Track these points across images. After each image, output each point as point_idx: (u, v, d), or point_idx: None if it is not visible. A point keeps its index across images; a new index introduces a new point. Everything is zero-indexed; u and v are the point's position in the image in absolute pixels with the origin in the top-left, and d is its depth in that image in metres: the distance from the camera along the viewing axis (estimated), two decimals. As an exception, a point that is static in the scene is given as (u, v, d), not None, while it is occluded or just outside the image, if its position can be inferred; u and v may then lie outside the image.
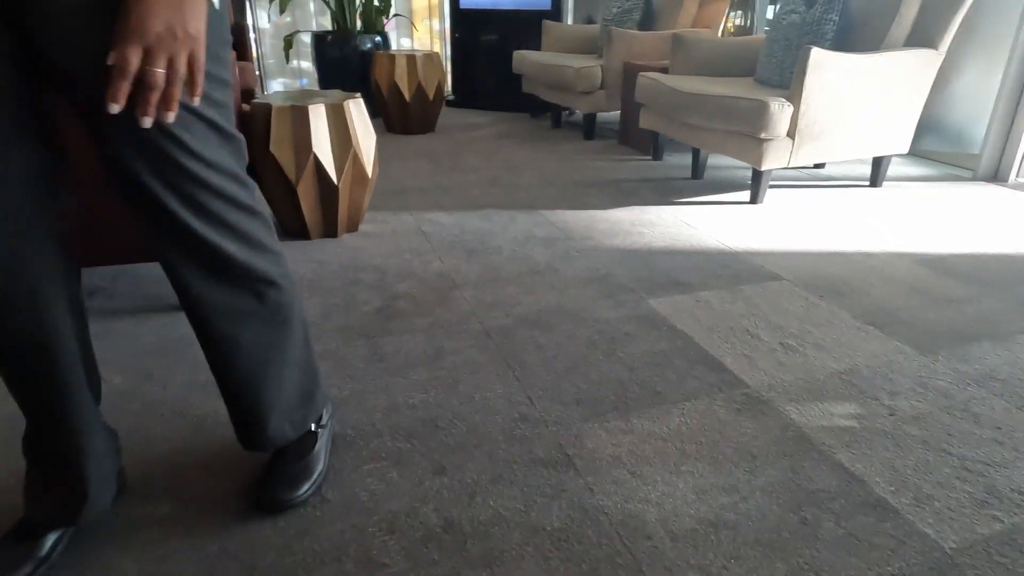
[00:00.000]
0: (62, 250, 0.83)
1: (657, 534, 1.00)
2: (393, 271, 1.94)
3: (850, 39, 2.78)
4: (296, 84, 5.12)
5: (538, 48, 4.33)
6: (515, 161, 3.26)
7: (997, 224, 2.44)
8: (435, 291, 1.81)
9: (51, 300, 0.82)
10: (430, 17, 5.42)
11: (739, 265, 2.02)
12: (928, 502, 1.07)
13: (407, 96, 3.68)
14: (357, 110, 2.10)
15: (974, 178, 3.05)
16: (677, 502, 1.06)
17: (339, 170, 2.06)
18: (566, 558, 0.95)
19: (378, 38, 4.25)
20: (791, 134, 2.47)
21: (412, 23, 5.31)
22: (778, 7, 2.99)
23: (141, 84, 0.66)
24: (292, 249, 2.09)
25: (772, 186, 2.88)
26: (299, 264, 1.97)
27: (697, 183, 2.93)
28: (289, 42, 4.29)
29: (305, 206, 2.08)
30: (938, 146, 3.31)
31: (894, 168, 3.19)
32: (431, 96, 3.74)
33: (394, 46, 5.16)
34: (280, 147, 1.98)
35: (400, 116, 3.77)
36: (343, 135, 2.05)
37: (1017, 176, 2.99)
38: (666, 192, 2.78)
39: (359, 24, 4.34)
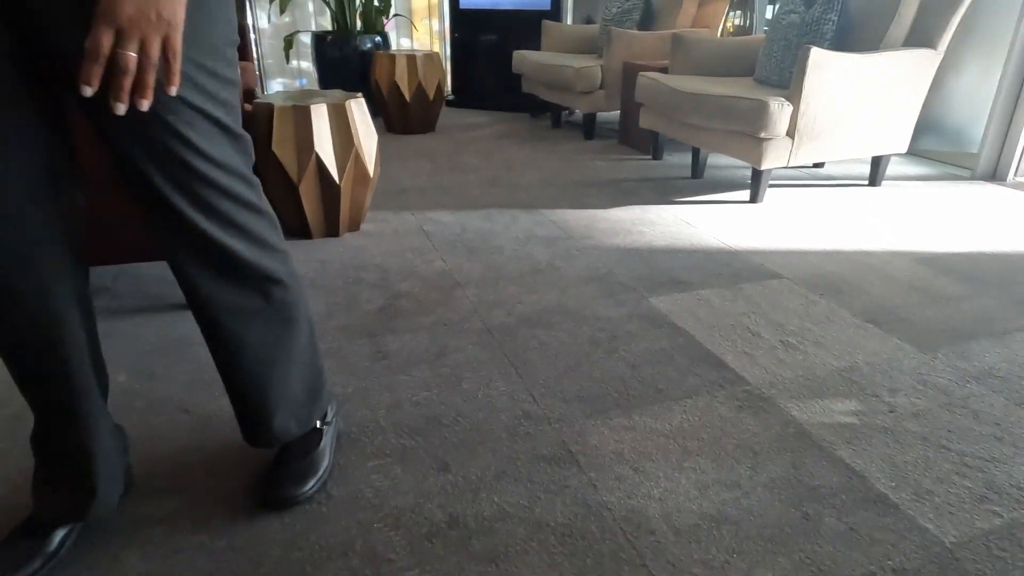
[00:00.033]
0: (71, 248, 0.84)
1: (660, 529, 1.01)
2: (395, 270, 1.95)
3: (849, 39, 2.79)
4: (295, 84, 5.13)
5: (538, 48, 4.34)
6: (515, 161, 3.27)
7: (995, 223, 2.45)
8: (437, 290, 1.82)
9: (60, 297, 0.83)
10: (429, 17, 5.43)
11: (739, 264, 2.03)
12: (928, 497, 1.08)
13: (407, 96, 3.69)
14: (359, 110, 2.11)
15: (972, 177, 3.06)
16: (680, 498, 1.07)
17: (341, 169, 2.07)
18: (570, 553, 0.96)
19: (378, 38, 4.26)
20: (791, 133, 2.48)
21: (412, 23, 5.31)
22: (777, 7, 3.00)
23: (114, 68, 0.64)
24: (294, 248, 2.09)
25: (772, 185, 2.89)
26: (301, 263, 1.97)
27: (697, 182, 2.94)
28: (289, 42, 4.29)
29: (307, 205, 2.09)
30: (937, 145, 3.32)
31: (893, 167, 3.21)
32: (431, 96, 3.74)
33: (393, 46, 5.17)
34: (282, 147, 1.99)
35: (400, 116, 3.78)
36: (345, 135, 2.06)
37: (1015, 175, 3.00)
38: (666, 191, 2.79)
39: (359, 24, 4.34)
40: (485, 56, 4.54)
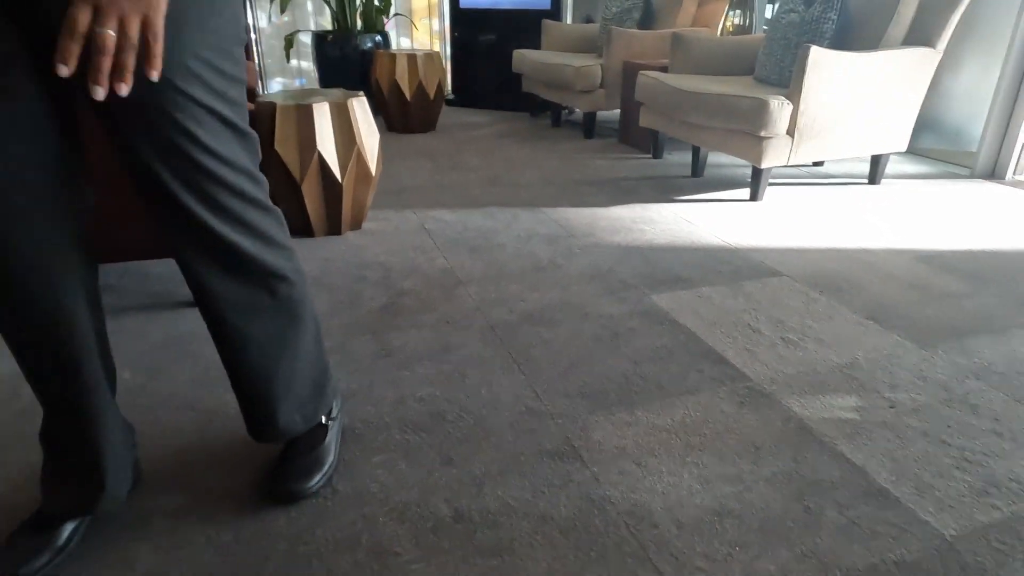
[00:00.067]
0: (80, 244, 0.84)
1: (663, 523, 1.02)
2: (398, 268, 1.96)
3: (848, 38, 2.80)
4: (294, 84, 5.13)
5: (538, 47, 4.34)
6: (516, 160, 3.28)
7: (994, 221, 2.47)
8: (440, 287, 1.83)
9: (69, 293, 0.84)
10: (429, 17, 5.44)
11: (740, 261, 2.04)
12: (928, 491, 1.09)
13: (408, 95, 3.70)
14: (361, 108, 2.12)
15: (971, 175, 3.08)
16: (682, 492, 1.08)
17: (343, 168, 2.08)
18: (574, 546, 0.97)
19: (378, 37, 4.26)
20: (791, 132, 2.49)
21: (412, 22, 5.32)
22: (777, 6, 3.01)
23: (92, 47, 0.62)
24: (297, 247, 2.09)
25: (771, 184, 2.90)
26: (304, 261, 1.98)
27: (697, 181, 2.95)
28: (290, 41, 4.30)
29: (309, 204, 2.10)
30: (936, 144, 3.33)
31: (892, 166, 3.22)
32: (432, 95, 3.75)
33: (393, 46, 5.17)
34: (285, 145, 1.99)
35: (401, 115, 3.79)
36: (347, 133, 2.06)
37: (1014, 173, 3.02)
38: (666, 190, 2.80)
39: (359, 23, 4.35)
40: (485, 55, 4.55)
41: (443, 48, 5.48)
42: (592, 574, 0.93)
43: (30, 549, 0.90)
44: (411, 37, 5.43)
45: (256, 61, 4.85)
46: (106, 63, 0.63)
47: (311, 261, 1.99)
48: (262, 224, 0.90)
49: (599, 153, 3.44)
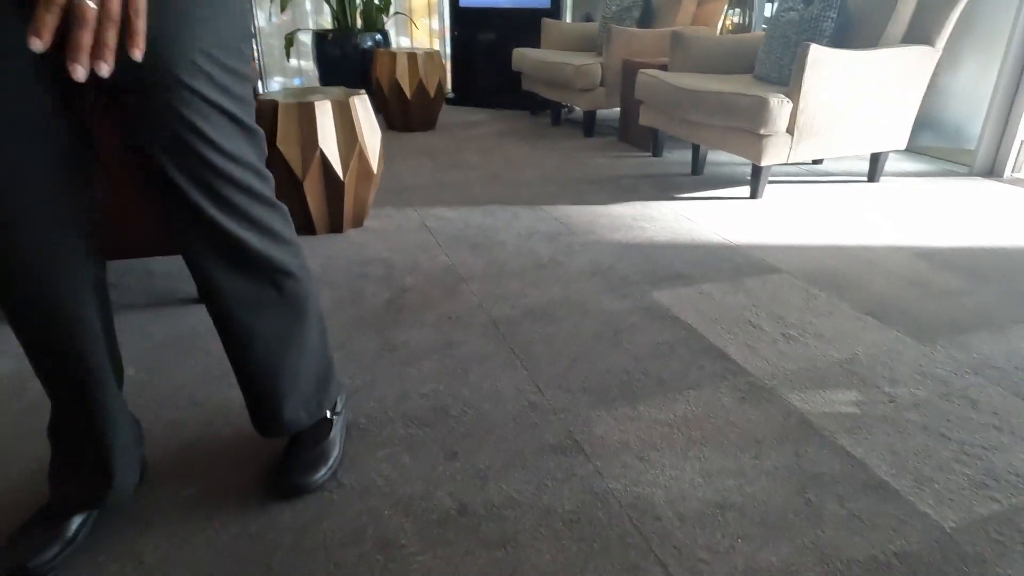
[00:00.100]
0: (88, 239, 0.85)
1: (666, 515, 1.03)
2: (400, 265, 1.97)
3: (848, 36, 2.81)
4: (292, 83, 5.14)
5: (537, 46, 4.35)
6: (516, 158, 3.28)
7: (993, 218, 2.48)
8: (442, 285, 1.84)
9: (78, 288, 0.84)
10: (429, 16, 5.45)
11: (740, 258, 2.05)
12: (928, 484, 1.10)
13: (408, 93, 3.70)
14: (362, 107, 2.12)
15: (970, 173, 3.09)
16: (684, 485, 1.09)
17: (345, 166, 2.09)
18: (578, 538, 0.98)
19: (378, 36, 4.27)
20: (790, 130, 2.50)
21: (412, 21, 5.33)
22: (776, 5, 3.02)
23: (71, 20, 0.59)
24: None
25: (771, 182, 2.91)
26: (307, 259, 1.99)
27: (697, 179, 2.96)
28: (290, 40, 4.31)
29: (311, 202, 2.11)
30: (935, 142, 3.35)
31: (891, 164, 3.23)
32: (432, 93, 3.76)
33: (392, 45, 5.18)
34: (287, 143, 2.00)
35: (401, 113, 3.79)
36: (349, 131, 2.07)
37: (1012, 171, 3.03)
38: (666, 188, 2.81)
39: (359, 22, 4.36)
40: (485, 54, 4.55)
41: (442, 47, 5.48)
42: (596, 566, 0.93)
43: (39, 541, 0.91)
44: (410, 36, 5.43)
45: (257, 60, 4.85)
46: (86, 38, 0.59)
47: (313, 259, 2.00)
48: (268, 220, 0.91)
49: (599, 151, 3.45)
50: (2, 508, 1.02)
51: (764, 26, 4.09)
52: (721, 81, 2.82)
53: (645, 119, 3.14)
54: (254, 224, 0.89)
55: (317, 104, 2.00)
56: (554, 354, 1.48)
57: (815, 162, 3.27)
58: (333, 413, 1.14)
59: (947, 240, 2.25)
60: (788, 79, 2.75)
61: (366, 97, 2.16)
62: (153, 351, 1.47)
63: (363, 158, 2.12)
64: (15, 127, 0.74)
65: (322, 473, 1.08)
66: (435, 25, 5.50)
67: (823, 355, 1.50)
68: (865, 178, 2.99)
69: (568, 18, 4.91)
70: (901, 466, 1.14)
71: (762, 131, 2.45)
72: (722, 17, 3.84)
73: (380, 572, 0.92)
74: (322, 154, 2.03)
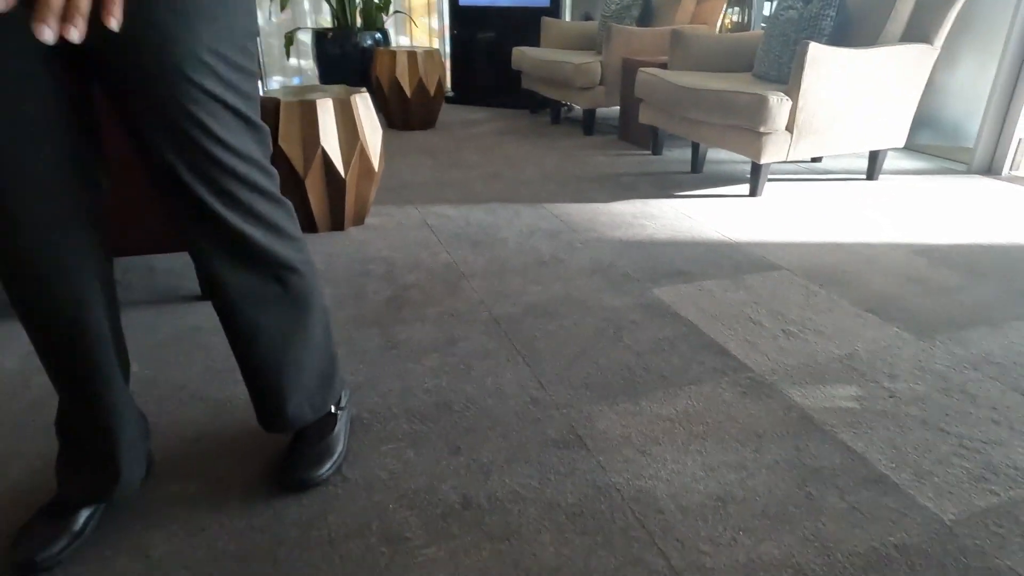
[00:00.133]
0: (95, 234, 0.86)
1: (668, 508, 1.04)
2: (401, 263, 1.97)
3: (847, 35, 2.82)
4: (291, 82, 5.14)
5: (537, 45, 4.36)
6: (516, 156, 3.29)
7: (991, 216, 2.49)
8: (444, 282, 1.85)
9: (85, 282, 0.85)
10: (428, 15, 5.45)
11: (740, 255, 2.06)
12: (928, 478, 1.11)
13: (408, 92, 3.71)
14: (364, 105, 2.13)
15: (968, 171, 3.10)
16: (686, 479, 1.10)
17: (346, 164, 2.09)
18: (581, 531, 0.99)
19: (378, 35, 4.28)
20: (789, 128, 2.51)
21: (412, 20, 5.33)
22: (775, 3, 3.03)
23: None
24: (300, 242, 2.12)
25: (770, 179, 2.92)
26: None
27: (697, 177, 2.97)
28: (290, 39, 4.31)
29: (313, 199, 2.11)
30: (933, 140, 3.36)
31: (890, 162, 3.24)
32: (432, 92, 3.77)
33: (392, 44, 5.18)
34: (289, 141, 2.01)
35: (401, 112, 3.80)
36: (350, 129, 2.08)
37: (1010, 169, 3.04)
38: (666, 186, 2.81)
39: (359, 21, 4.36)
40: (484, 53, 4.56)
41: (442, 46, 5.49)
42: (599, 558, 0.94)
43: (47, 535, 0.92)
44: (410, 35, 5.44)
45: (258, 59, 4.85)
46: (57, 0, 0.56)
47: (315, 256, 2.01)
48: (273, 216, 0.92)
49: (599, 150, 3.45)
50: (6, 503, 1.03)
51: (763, 25, 4.10)
52: (720, 79, 2.83)
53: (645, 117, 3.15)
54: (259, 220, 0.90)
55: (319, 102, 2.01)
56: (556, 350, 1.49)
57: (814, 160, 3.28)
58: (337, 408, 1.15)
59: (945, 237, 2.26)
60: (787, 77, 2.76)
61: (367, 95, 2.17)
62: (157, 348, 1.47)
63: (364, 156, 2.13)
64: (22, 126, 0.74)
65: (327, 468, 1.08)
66: (434, 24, 5.50)
67: (823, 351, 1.51)
68: (864, 176, 3.00)
69: (568, 17, 4.92)
70: (901, 460, 1.15)
71: (761, 129, 2.46)
72: (721, 16, 3.85)
73: (386, 564, 0.93)
74: (324, 152, 2.04)
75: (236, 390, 1.32)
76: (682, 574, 0.92)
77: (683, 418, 1.26)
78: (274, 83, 5.06)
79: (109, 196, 0.89)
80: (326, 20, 5.00)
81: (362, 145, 2.11)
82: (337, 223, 2.21)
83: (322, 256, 2.01)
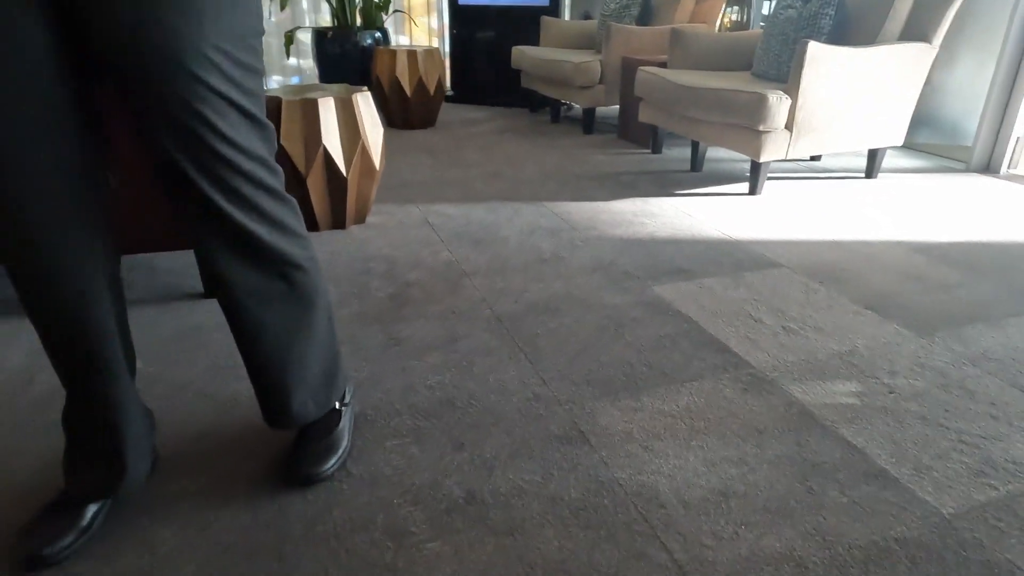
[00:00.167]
0: (101, 230, 0.87)
1: (670, 503, 1.05)
2: (403, 261, 1.98)
3: (846, 33, 2.83)
4: (290, 81, 5.14)
5: (536, 44, 4.37)
6: (516, 155, 3.30)
7: (989, 214, 2.50)
8: (445, 280, 1.86)
9: (92, 279, 0.86)
10: (428, 14, 5.45)
11: (740, 253, 2.07)
12: (927, 472, 1.12)
13: (408, 91, 3.71)
14: (365, 104, 2.14)
15: (967, 170, 3.11)
16: (688, 474, 1.11)
17: (348, 162, 2.10)
18: (585, 525, 1.00)
19: (378, 34, 4.28)
20: (789, 126, 2.52)
21: (411, 19, 5.33)
22: (774, 2, 3.03)
23: None
24: (302, 240, 2.12)
25: (770, 178, 2.93)
26: (310, 255, 2.00)
27: (696, 175, 2.97)
28: (290, 38, 4.31)
29: (314, 198, 2.12)
30: (932, 138, 3.37)
31: (889, 160, 3.25)
32: (432, 91, 3.77)
33: (391, 43, 5.19)
34: (290, 140, 2.01)
35: (401, 111, 3.80)
36: (352, 128, 2.09)
37: (1008, 167, 3.05)
38: (666, 184, 2.82)
39: (359, 20, 4.37)
40: (484, 52, 4.56)
41: (441, 45, 5.49)
42: (603, 552, 0.95)
43: (55, 530, 0.92)
44: (409, 34, 5.44)
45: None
46: None
47: (317, 254, 2.01)
48: (278, 213, 0.93)
49: (599, 148, 3.46)
50: (12, 499, 1.03)
51: (762, 24, 4.11)
52: (720, 78, 2.84)
53: (644, 116, 3.16)
54: (264, 216, 0.90)
55: (321, 101, 2.01)
56: (558, 347, 1.50)
57: (813, 158, 3.29)
58: (342, 404, 1.15)
59: (944, 235, 2.27)
60: (786, 76, 2.77)
61: (368, 94, 2.18)
62: (161, 345, 1.48)
63: (366, 154, 2.14)
64: (24, 126, 0.75)
65: (332, 463, 1.09)
66: (434, 23, 5.51)
67: (823, 347, 1.52)
68: (863, 174, 3.01)
69: (567, 16, 4.93)
70: (901, 455, 1.16)
71: (761, 127, 2.46)
72: (720, 15, 3.86)
73: (391, 558, 0.94)
74: (325, 151, 2.04)
75: (240, 387, 1.33)
76: (685, 567, 0.93)
77: (685, 414, 1.27)
78: (273, 83, 5.06)
79: (114, 189, 0.89)
80: (325, 19, 5.00)
81: (364, 144, 2.11)
82: (339, 221, 2.21)
83: (324, 254, 2.02)
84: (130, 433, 0.95)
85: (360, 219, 2.28)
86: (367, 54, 4.18)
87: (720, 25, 4.00)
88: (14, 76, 0.73)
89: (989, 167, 3.09)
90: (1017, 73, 2.90)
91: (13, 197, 0.77)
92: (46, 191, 0.79)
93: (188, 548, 0.95)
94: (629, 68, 3.45)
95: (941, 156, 3.34)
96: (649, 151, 3.40)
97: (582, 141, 3.62)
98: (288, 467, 1.08)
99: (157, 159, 0.82)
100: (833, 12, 2.70)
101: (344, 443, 1.13)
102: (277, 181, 0.92)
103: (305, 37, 4.88)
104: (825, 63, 2.46)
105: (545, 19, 4.26)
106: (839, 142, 2.70)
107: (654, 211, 2.47)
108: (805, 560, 0.94)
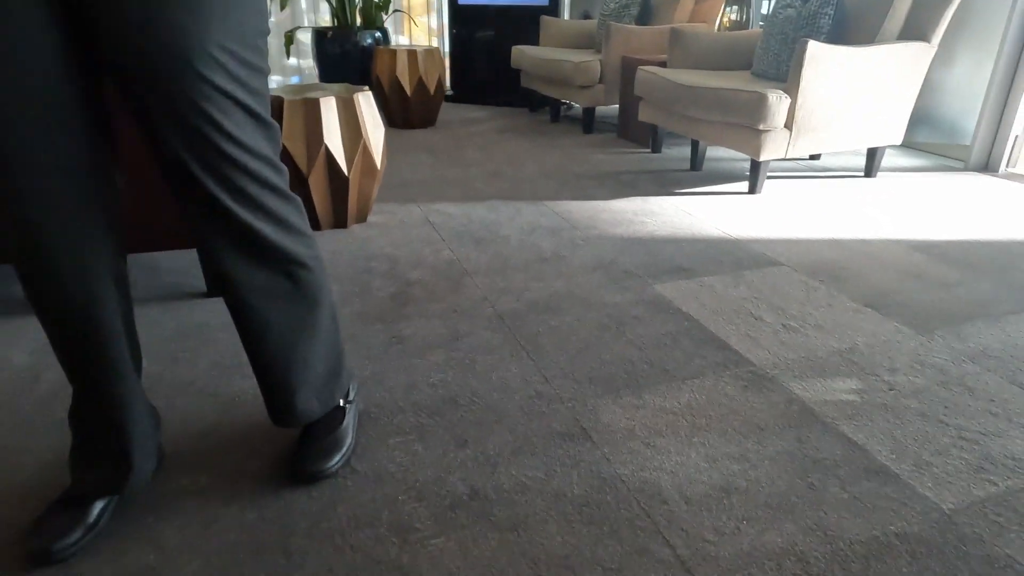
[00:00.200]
0: (110, 232, 0.87)
1: (673, 499, 1.05)
2: (404, 260, 1.99)
3: (845, 33, 2.84)
4: (290, 81, 5.14)
5: (536, 43, 4.37)
6: (516, 154, 3.31)
7: (988, 212, 2.51)
8: (447, 278, 1.86)
9: (98, 276, 0.87)
10: (427, 13, 5.46)
11: (740, 252, 2.08)
12: (927, 468, 1.13)
13: (408, 91, 3.72)
14: (366, 103, 2.14)
15: (965, 168, 3.12)
16: (690, 470, 1.12)
17: (349, 162, 2.11)
18: (588, 521, 1.01)
19: (378, 34, 4.29)
20: (788, 125, 2.53)
21: (411, 19, 5.34)
22: (774, 2, 3.04)
23: None
24: (303, 239, 2.13)
25: (769, 177, 2.94)
26: (311, 254, 2.01)
27: (696, 174, 2.98)
28: (290, 38, 4.32)
29: (316, 197, 2.12)
30: (930, 137, 3.38)
31: (888, 159, 3.26)
32: (432, 91, 3.78)
33: (391, 43, 5.19)
34: (292, 139, 2.02)
35: (401, 110, 3.81)
36: (353, 127, 2.09)
37: (1007, 166, 3.06)
38: (666, 183, 2.83)
39: (359, 20, 4.37)
40: (484, 51, 4.57)
41: (441, 44, 5.50)
42: (606, 547, 0.96)
43: (62, 526, 0.93)
44: (409, 34, 5.45)
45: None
46: None
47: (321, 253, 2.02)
48: (283, 211, 0.93)
49: (599, 148, 3.47)
50: (19, 497, 1.04)
51: (761, 23, 4.12)
52: (719, 77, 2.85)
53: (644, 115, 3.17)
54: (269, 215, 0.91)
55: (322, 100, 2.02)
56: (559, 345, 1.51)
57: (812, 157, 3.30)
58: (346, 402, 1.16)
59: (943, 234, 2.28)
60: (786, 75, 2.78)
61: (370, 94, 2.18)
62: (165, 344, 1.49)
63: (367, 154, 2.14)
64: (31, 125, 0.76)
65: (336, 460, 1.10)
66: (433, 23, 5.51)
67: (823, 345, 1.53)
68: (862, 173, 3.02)
69: (567, 15, 4.93)
70: (901, 451, 1.17)
71: (760, 127, 2.47)
72: (720, 14, 3.87)
73: (396, 554, 0.95)
74: (327, 150, 2.05)
75: (244, 385, 1.34)
76: (687, 563, 0.94)
77: (686, 411, 1.28)
78: (273, 82, 5.07)
79: (121, 186, 0.90)
80: (325, 19, 5.00)
81: (365, 143, 2.12)
82: (340, 221, 2.22)
83: (326, 253, 2.02)
84: (136, 431, 0.95)
85: (362, 218, 2.29)
86: (367, 54, 4.19)
87: (719, 24, 4.01)
88: (22, 74, 0.73)
89: (988, 166, 3.10)
90: (1015, 72, 2.91)
91: (21, 196, 0.78)
92: (54, 190, 0.80)
93: (193, 545, 0.96)
94: (629, 67, 3.46)
95: (940, 155, 3.35)
96: (649, 150, 3.41)
97: (582, 140, 3.63)
98: (293, 464, 1.09)
99: (163, 158, 0.83)
100: (832, 11, 2.71)
101: (348, 440, 1.14)
102: (282, 180, 0.93)
103: (305, 37, 4.89)
104: (824, 62, 2.47)
105: (545, 19, 4.27)
106: (838, 141, 2.71)
107: (654, 210, 2.48)
108: (806, 555, 0.95)
